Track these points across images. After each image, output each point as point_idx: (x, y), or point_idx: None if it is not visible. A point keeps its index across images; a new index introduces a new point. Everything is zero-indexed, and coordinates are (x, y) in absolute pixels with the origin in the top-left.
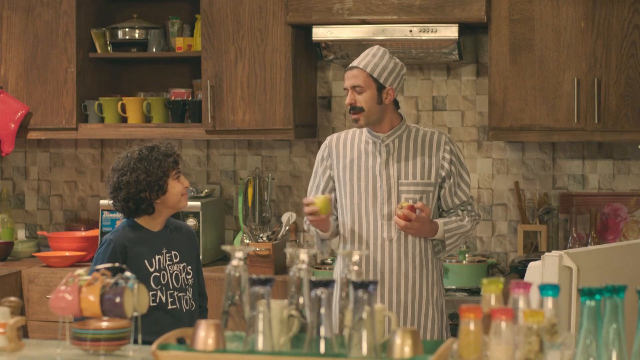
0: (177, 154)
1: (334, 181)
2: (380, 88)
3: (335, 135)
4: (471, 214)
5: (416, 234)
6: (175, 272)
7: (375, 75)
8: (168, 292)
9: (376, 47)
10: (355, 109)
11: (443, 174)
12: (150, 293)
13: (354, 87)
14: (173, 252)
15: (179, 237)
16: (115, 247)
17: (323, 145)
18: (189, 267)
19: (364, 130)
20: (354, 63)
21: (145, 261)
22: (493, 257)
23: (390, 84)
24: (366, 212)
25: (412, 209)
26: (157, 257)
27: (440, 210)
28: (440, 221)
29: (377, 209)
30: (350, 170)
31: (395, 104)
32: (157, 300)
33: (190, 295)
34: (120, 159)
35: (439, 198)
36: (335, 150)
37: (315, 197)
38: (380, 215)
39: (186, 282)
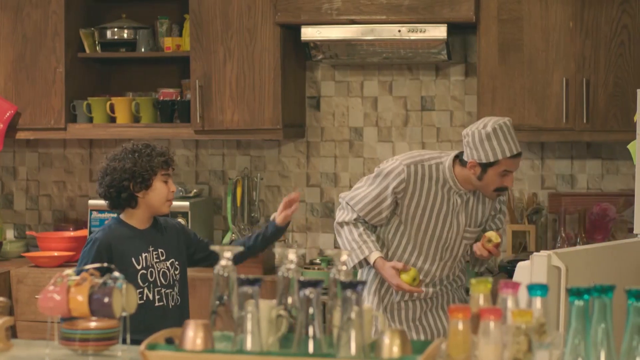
0: (171, 158)
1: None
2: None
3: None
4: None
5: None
6: (163, 269)
7: None
8: (155, 289)
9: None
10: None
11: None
12: (137, 290)
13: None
14: (160, 250)
15: (166, 235)
16: (100, 246)
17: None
18: (177, 262)
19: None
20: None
21: (133, 259)
22: None
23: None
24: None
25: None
26: (143, 255)
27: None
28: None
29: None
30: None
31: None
32: (144, 298)
33: (177, 291)
34: (117, 149)
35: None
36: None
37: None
38: None
39: (174, 278)
